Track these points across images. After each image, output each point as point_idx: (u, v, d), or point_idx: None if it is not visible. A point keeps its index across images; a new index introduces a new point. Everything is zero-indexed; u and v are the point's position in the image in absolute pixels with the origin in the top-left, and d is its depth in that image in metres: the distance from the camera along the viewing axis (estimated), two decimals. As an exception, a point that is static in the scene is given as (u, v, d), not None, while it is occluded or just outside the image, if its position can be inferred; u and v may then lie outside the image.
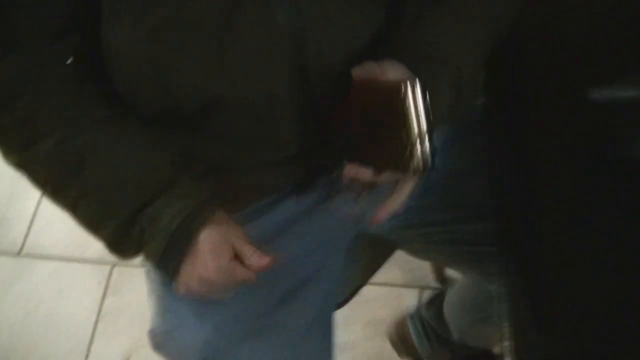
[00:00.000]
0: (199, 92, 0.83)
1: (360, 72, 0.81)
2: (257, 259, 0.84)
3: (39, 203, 2.04)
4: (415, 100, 0.77)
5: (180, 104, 0.84)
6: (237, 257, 0.84)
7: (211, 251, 0.83)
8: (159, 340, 0.98)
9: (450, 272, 1.62)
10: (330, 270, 1.02)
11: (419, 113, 0.77)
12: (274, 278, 0.91)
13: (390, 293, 1.72)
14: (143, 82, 0.83)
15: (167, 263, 0.83)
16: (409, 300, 1.71)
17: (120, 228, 0.82)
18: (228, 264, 0.84)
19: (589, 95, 0.88)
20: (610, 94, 0.87)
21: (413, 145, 0.77)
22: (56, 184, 0.85)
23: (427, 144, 0.78)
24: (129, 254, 0.85)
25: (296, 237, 0.99)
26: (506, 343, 0.77)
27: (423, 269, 1.69)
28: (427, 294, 1.70)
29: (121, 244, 0.84)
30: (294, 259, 0.96)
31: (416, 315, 1.52)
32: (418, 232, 1.08)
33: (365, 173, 0.83)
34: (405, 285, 1.74)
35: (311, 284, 0.99)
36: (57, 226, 1.97)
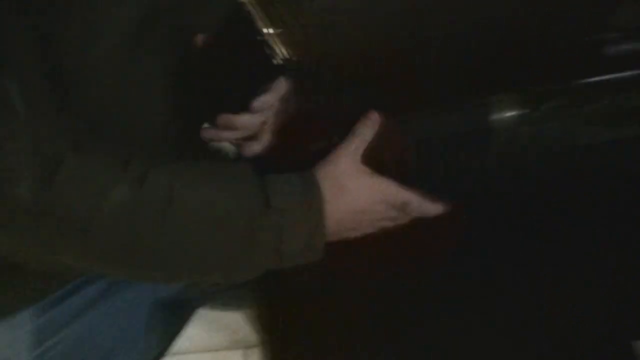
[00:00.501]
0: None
1: None
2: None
3: None
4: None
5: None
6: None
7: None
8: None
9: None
10: (132, 340, 1.00)
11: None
12: (77, 351, 0.91)
13: (215, 358, 1.68)
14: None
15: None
16: (235, 363, 1.69)
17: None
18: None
19: None
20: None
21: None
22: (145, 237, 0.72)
23: None
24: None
25: (98, 313, 0.96)
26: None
27: (246, 328, 1.66)
28: (253, 353, 1.67)
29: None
30: (96, 333, 0.95)
31: None
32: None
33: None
34: (229, 348, 1.69)
35: (113, 355, 0.98)
36: None
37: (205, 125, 0.93)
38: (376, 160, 0.82)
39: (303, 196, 0.76)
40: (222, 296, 1.18)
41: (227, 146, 0.99)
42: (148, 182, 0.72)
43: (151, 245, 0.73)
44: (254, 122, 0.88)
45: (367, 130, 0.82)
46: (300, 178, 0.78)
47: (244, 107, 0.86)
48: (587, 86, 0.91)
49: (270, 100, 0.88)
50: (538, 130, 0.90)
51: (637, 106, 0.93)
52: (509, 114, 0.89)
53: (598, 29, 0.94)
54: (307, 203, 0.75)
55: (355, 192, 0.78)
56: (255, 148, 0.90)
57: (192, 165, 0.77)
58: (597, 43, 0.92)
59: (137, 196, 0.71)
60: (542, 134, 0.91)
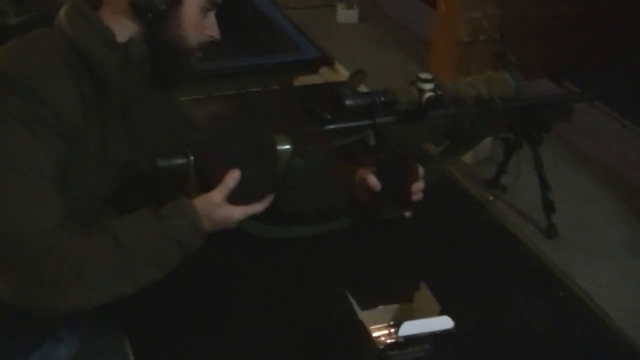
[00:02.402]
0: None
1: None
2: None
3: None
4: None
5: None
6: None
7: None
8: None
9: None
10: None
11: None
12: None
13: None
14: None
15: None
16: None
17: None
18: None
19: None
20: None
21: None
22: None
23: None
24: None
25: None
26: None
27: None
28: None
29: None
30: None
31: None
32: None
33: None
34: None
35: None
36: None
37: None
38: None
39: (179, 207, 1.26)
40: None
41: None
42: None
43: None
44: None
45: (230, 181, 1.29)
46: (177, 201, 1.27)
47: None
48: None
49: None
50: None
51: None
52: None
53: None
54: (182, 208, 1.26)
55: (215, 206, 1.28)
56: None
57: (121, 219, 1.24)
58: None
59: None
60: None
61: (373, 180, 1.45)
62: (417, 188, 1.50)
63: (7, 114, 1.15)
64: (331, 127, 1.40)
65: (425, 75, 1.45)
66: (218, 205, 1.29)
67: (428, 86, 1.44)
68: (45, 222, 1.15)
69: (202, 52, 1.35)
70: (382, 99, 1.42)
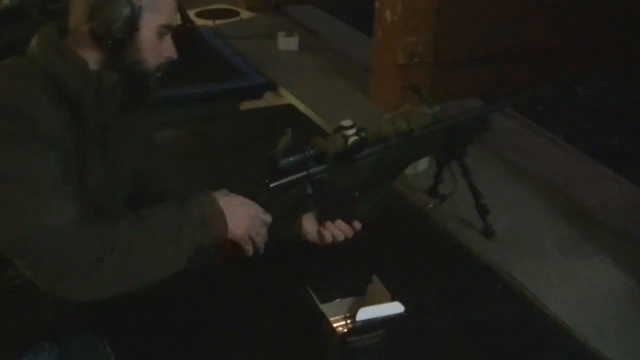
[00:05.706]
0: None
1: None
2: None
3: None
4: None
5: None
6: None
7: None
8: None
9: None
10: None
11: None
12: None
13: None
14: None
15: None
16: None
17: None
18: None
19: None
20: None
21: None
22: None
23: None
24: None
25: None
26: None
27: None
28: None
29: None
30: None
31: None
32: None
33: None
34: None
35: None
36: None
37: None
38: None
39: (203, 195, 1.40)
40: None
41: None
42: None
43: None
44: None
45: None
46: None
47: None
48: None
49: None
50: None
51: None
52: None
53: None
54: (205, 197, 1.39)
55: (234, 197, 1.43)
56: None
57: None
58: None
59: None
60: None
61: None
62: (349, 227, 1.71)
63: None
64: (271, 185, 1.55)
65: (346, 123, 1.61)
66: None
67: (351, 132, 1.60)
68: (70, 212, 1.25)
69: (161, 73, 1.45)
70: (312, 152, 1.57)
